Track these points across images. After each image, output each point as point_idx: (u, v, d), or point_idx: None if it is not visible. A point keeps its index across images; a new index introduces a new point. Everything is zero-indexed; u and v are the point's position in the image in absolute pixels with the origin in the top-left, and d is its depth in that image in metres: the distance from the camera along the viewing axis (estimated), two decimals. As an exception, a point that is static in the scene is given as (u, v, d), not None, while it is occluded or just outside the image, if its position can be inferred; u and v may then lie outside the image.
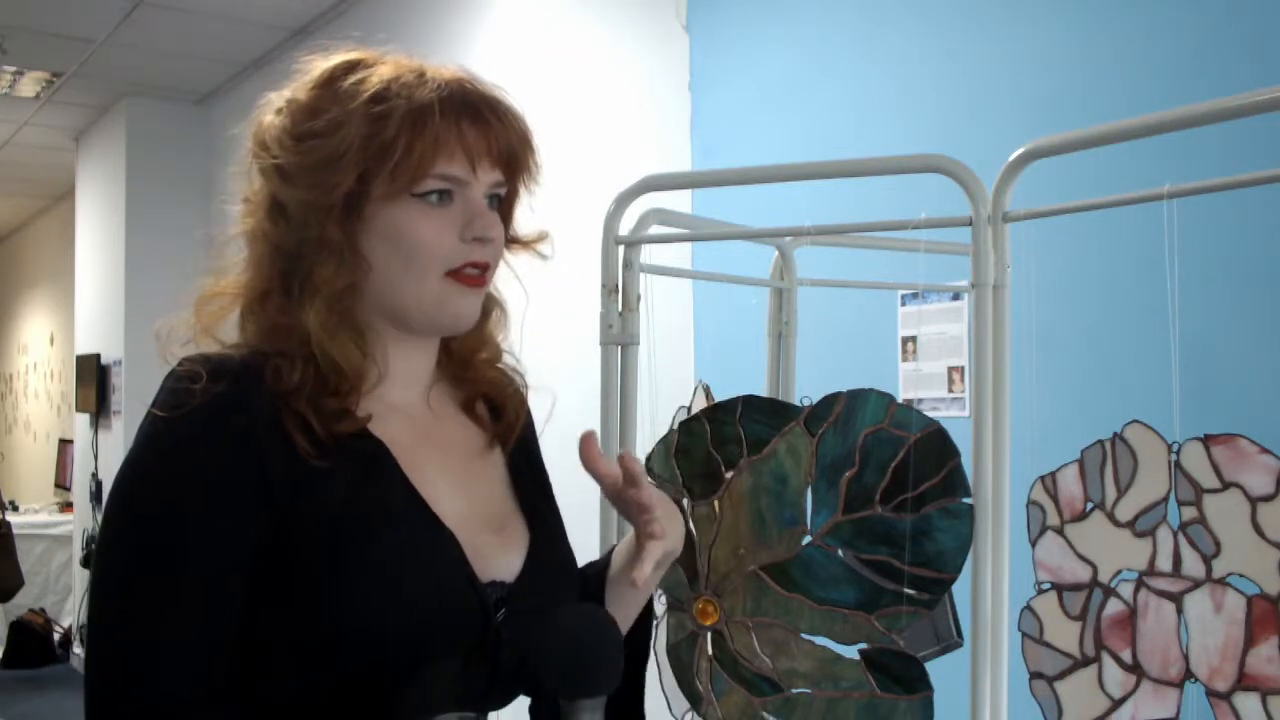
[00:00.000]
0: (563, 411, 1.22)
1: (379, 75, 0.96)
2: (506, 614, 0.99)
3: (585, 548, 1.46)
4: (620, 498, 1.01)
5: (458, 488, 1.02)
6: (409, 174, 0.94)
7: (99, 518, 5.50)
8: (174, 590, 0.88)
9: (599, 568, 1.15)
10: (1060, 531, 1.24)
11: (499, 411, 1.11)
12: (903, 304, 2.32)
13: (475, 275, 1.00)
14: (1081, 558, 1.22)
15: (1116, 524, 1.20)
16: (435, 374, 1.08)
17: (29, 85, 5.60)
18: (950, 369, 2.25)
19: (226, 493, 0.89)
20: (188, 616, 0.88)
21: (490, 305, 1.11)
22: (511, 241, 1.09)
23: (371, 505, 0.94)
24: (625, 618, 1.13)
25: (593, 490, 1.55)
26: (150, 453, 0.91)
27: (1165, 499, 1.16)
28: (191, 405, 0.89)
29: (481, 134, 0.97)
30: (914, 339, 2.31)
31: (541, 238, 1.11)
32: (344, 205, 0.95)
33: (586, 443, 0.97)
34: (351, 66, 0.98)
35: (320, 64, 1.00)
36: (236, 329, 1.00)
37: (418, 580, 0.93)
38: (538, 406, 1.18)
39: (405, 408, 1.03)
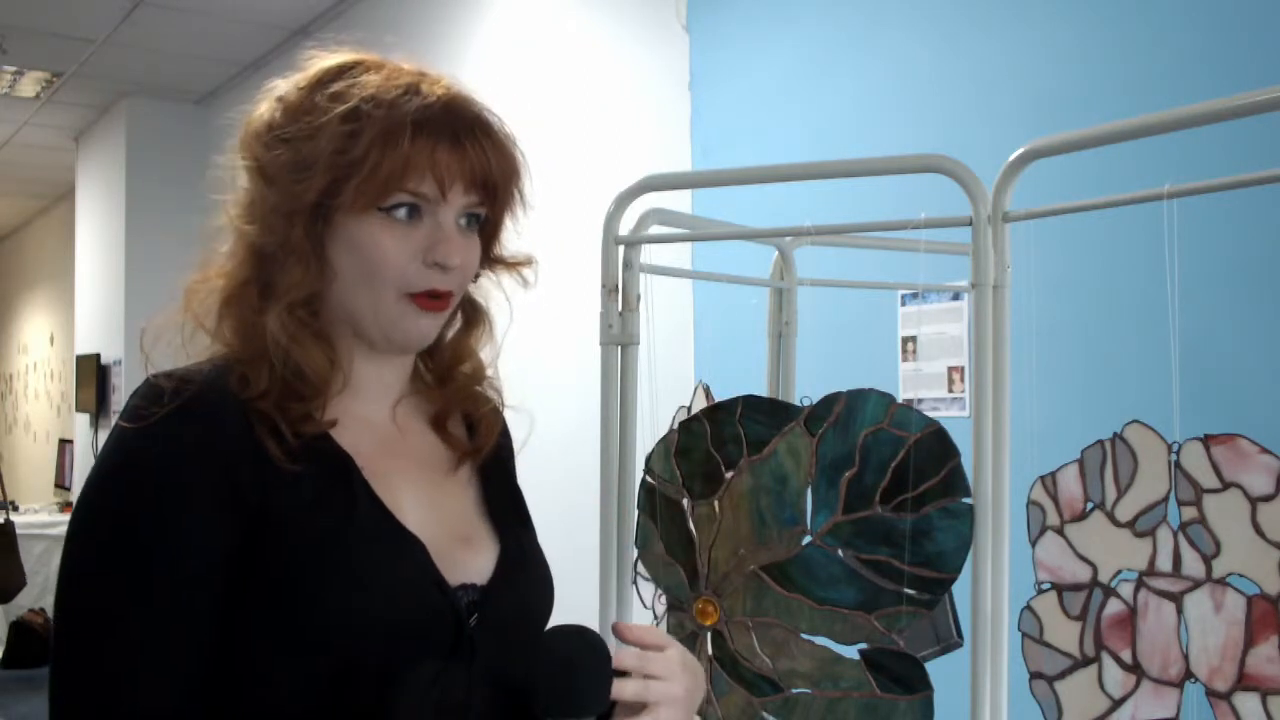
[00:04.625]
0: (562, 412, 1.22)
1: (362, 87, 0.95)
2: (479, 619, 0.98)
3: (584, 554, 1.46)
4: None
5: (423, 500, 1.01)
6: (375, 189, 0.93)
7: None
8: (141, 600, 0.87)
9: None
10: (1060, 531, 1.24)
11: (473, 428, 1.10)
12: (903, 304, 2.32)
13: (434, 301, 0.98)
14: (1081, 558, 1.22)
15: (1116, 524, 1.20)
16: (407, 387, 1.07)
17: (29, 85, 5.60)
18: (950, 369, 2.25)
19: (193, 500, 0.89)
20: (156, 628, 0.87)
21: (476, 319, 1.10)
22: (495, 263, 1.08)
23: (337, 511, 0.93)
24: None
25: (592, 495, 1.55)
26: (116, 462, 0.90)
27: (1165, 499, 1.16)
28: (158, 415, 0.89)
29: (457, 158, 0.95)
30: (914, 339, 2.31)
31: (526, 262, 1.09)
32: (311, 212, 0.94)
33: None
34: (340, 71, 0.97)
35: (318, 63, 0.99)
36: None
37: (384, 584, 0.92)
38: (517, 427, 1.17)
39: (371, 419, 1.02)
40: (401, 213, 0.95)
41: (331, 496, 0.93)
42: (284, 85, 0.99)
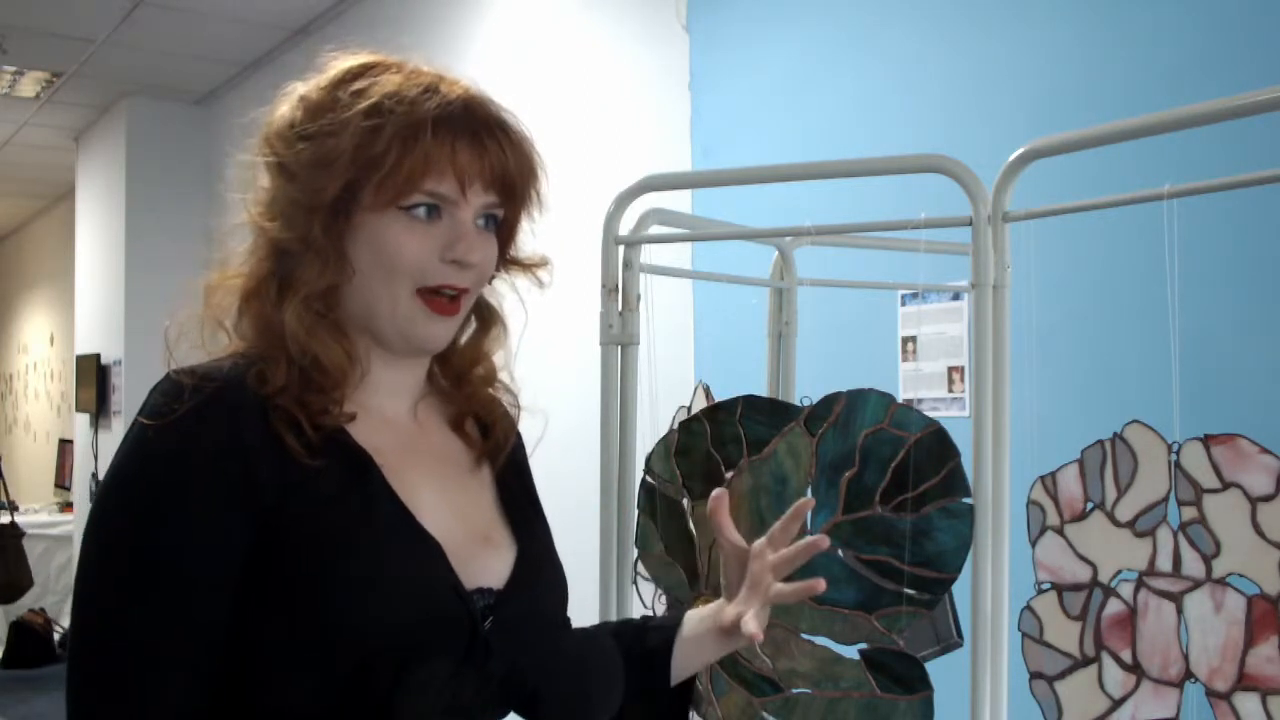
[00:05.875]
0: (562, 412, 1.22)
1: (382, 86, 0.96)
2: (494, 622, 0.98)
3: (584, 554, 1.46)
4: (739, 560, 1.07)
5: (443, 499, 1.01)
6: (395, 188, 0.94)
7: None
8: (161, 601, 0.87)
9: (664, 623, 1.13)
10: (1060, 531, 1.24)
11: (488, 431, 1.11)
12: (903, 304, 2.32)
13: (448, 302, 0.99)
14: (1081, 558, 1.22)
15: (1116, 524, 1.20)
16: (425, 387, 1.08)
17: (29, 85, 5.60)
18: (950, 369, 2.25)
19: (213, 498, 0.89)
20: (175, 629, 0.88)
21: (491, 321, 1.10)
22: (511, 264, 1.08)
23: (356, 511, 0.93)
24: (686, 672, 1.12)
25: (592, 495, 1.55)
26: (136, 460, 0.90)
27: (1165, 499, 1.16)
28: (178, 412, 0.89)
29: (476, 156, 0.96)
30: (914, 339, 2.31)
31: (542, 263, 1.10)
32: (331, 209, 0.95)
33: (717, 504, 1.05)
34: (361, 71, 0.98)
35: (337, 64, 1.00)
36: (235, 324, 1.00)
37: (401, 585, 0.92)
38: (531, 427, 1.17)
39: (391, 417, 1.02)
40: (421, 211, 0.96)
41: (350, 495, 0.94)
42: (305, 86, 1.00)
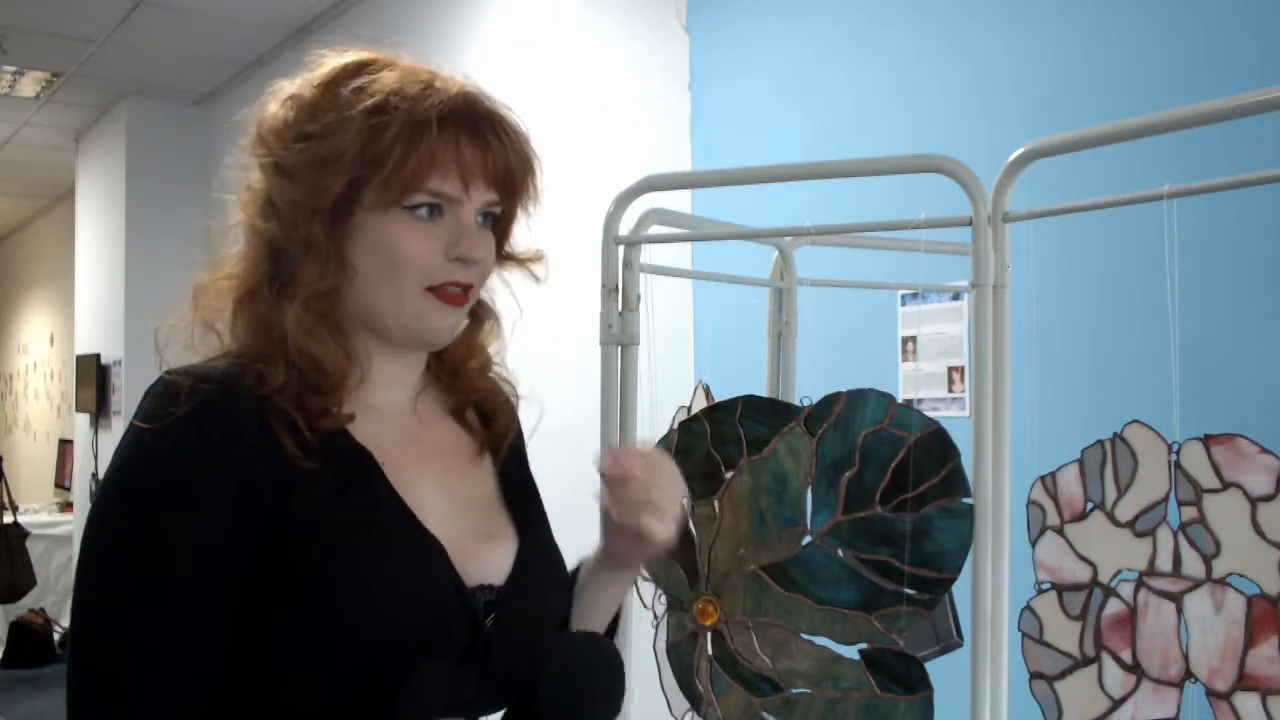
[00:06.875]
0: (562, 412, 1.22)
1: (383, 83, 0.95)
2: (496, 619, 0.98)
3: (584, 548, 1.46)
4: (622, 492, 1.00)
5: (444, 493, 1.01)
6: (400, 187, 0.93)
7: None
8: (161, 603, 0.87)
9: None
10: (1060, 531, 1.24)
11: (489, 420, 1.11)
12: (903, 304, 2.32)
13: (456, 294, 0.99)
14: (1081, 558, 1.22)
15: (1116, 524, 1.20)
16: (424, 380, 1.08)
17: (29, 85, 5.60)
18: (950, 369, 2.25)
19: (211, 501, 0.89)
20: (175, 631, 0.87)
21: (484, 315, 1.10)
22: (506, 259, 1.08)
23: (356, 510, 0.93)
24: (600, 621, 1.11)
25: (591, 495, 1.55)
26: (134, 463, 0.90)
27: (1165, 499, 1.16)
28: (174, 415, 0.89)
29: (479, 153, 0.96)
30: (914, 339, 2.31)
31: (537, 257, 1.10)
32: (332, 209, 0.94)
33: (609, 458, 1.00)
34: (358, 69, 0.97)
35: (330, 61, 0.99)
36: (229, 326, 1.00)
37: (402, 585, 0.92)
38: (527, 415, 1.17)
39: (391, 412, 1.02)
40: (423, 211, 0.95)
41: (351, 495, 0.93)
42: (296, 84, 0.99)
